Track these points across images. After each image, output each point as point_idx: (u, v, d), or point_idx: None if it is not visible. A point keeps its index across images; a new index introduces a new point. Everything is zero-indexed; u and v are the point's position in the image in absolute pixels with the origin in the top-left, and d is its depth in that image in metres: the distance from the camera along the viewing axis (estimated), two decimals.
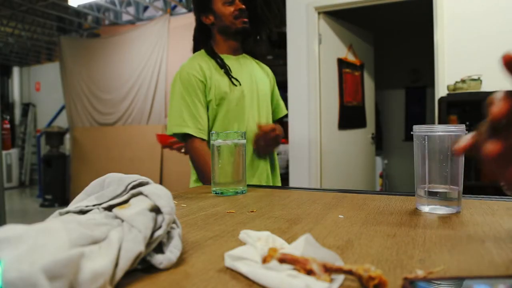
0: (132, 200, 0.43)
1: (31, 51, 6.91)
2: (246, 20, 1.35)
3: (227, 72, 1.35)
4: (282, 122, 1.62)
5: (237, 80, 1.36)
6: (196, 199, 0.83)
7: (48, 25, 5.61)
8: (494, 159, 0.32)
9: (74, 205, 0.45)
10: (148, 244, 0.38)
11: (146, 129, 4.40)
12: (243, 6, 1.34)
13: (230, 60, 1.40)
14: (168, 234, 0.42)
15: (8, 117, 7.79)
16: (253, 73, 1.44)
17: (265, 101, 1.46)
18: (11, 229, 0.31)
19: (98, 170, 3.22)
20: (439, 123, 2.67)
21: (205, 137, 1.29)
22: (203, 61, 1.35)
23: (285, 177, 3.27)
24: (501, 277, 0.36)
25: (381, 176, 4.51)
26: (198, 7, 1.41)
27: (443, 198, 0.64)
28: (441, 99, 2.65)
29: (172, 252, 0.40)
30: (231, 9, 1.33)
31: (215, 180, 0.91)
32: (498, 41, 2.56)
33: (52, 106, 7.11)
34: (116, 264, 0.34)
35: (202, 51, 1.41)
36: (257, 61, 1.54)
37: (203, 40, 1.43)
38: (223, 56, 1.39)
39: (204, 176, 1.28)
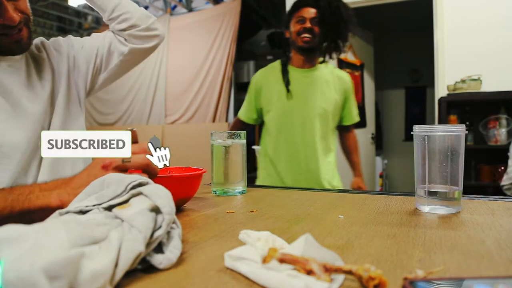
0: (132, 200, 0.43)
1: None
2: (307, 39, 1.49)
3: (287, 84, 1.53)
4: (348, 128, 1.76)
5: (290, 92, 1.53)
6: (196, 199, 0.83)
7: (48, 25, 5.61)
8: None
9: (74, 205, 0.45)
10: (148, 244, 0.38)
11: (146, 129, 4.40)
12: (308, 26, 1.49)
13: (295, 72, 1.57)
14: (168, 234, 0.42)
15: None
16: (315, 89, 1.56)
17: (318, 117, 1.53)
18: (11, 229, 0.31)
19: None
20: (439, 123, 2.67)
21: (243, 119, 1.66)
22: (273, 71, 1.60)
23: None
24: (501, 277, 0.36)
25: (381, 176, 4.51)
26: (285, 22, 1.61)
27: (443, 198, 0.64)
28: (441, 99, 2.65)
29: (172, 252, 0.40)
30: (298, 27, 1.50)
31: (215, 180, 0.91)
32: (498, 41, 2.56)
33: None
34: (116, 264, 0.34)
35: (279, 60, 1.63)
36: (337, 72, 1.63)
37: (282, 51, 1.64)
38: (292, 68, 1.58)
39: None
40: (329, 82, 1.59)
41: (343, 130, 1.72)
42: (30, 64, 0.88)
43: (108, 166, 0.55)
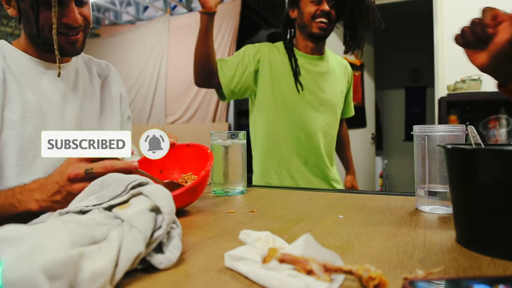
0: (132, 200, 0.43)
1: None
2: (324, 25, 1.29)
3: (295, 75, 1.33)
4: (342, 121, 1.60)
5: (301, 85, 1.33)
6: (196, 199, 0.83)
7: None
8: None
9: (74, 205, 0.45)
10: (148, 244, 0.38)
11: (146, 129, 4.39)
12: (327, 9, 1.27)
13: (302, 59, 1.36)
14: (168, 234, 0.42)
15: None
16: (325, 80, 1.39)
17: (327, 108, 1.39)
18: (11, 229, 0.31)
19: None
20: (439, 123, 2.67)
21: (219, 74, 1.30)
22: (277, 52, 1.35)
23: None
24: (501, 277, 0.36)
25: (381, 176, 4.51)
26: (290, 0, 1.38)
27: (443, 198, 0.64)
28: (441, 99, 2.65)
29: (172, 252, 0.40)
30: (314, 8, 1.28)
31: (215, 180, 0.91)
32: None
33: None
34: (116, 264, 0.34)
35: (281, 43, 1.39)
36: (340, 60, 1.49)
37: (284, 33, 1.40)
38: (298, 53, 1.37)
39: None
40: (336, 73, 1.43)
41: (339, 124, 1.52)
42: (80, 78, 0.93)
43: (74, 179, 0.57)
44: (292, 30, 1.40)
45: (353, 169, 1.61)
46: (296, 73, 1.33)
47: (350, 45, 1.40)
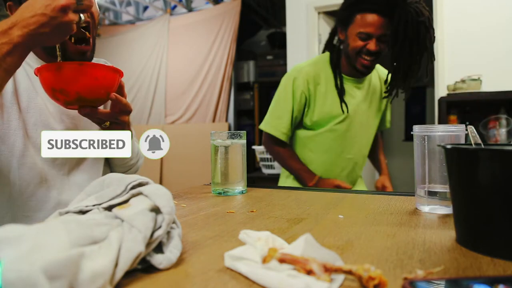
0: (132, 200, 0.43)
1: None
2: (367, 63, 1.21)
3: (340, 96, 1.29)
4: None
5: (346, 106, 1.29)
6: (196, 199, 0.83)
7: None
8: None
9: (74, 205, 0.45)
10: (148, 244, 0.38)
11: (145, 129, 4.38)
12: (373, 49, 1.18)
13: (346, 82, 1.31)
14: (168, 234, 0.42)
15: None
16: (369, 104, 1.37)
17: (370, 128, 1.40)
18: (11, 229, 0.31)
19: None
20: (439, 123, 2.67)
21: (277, 135, 1.33)
22: (323, 72, 1.29)
23: None
24: (501, 277, 0.36)
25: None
26: (339, 17, 1.28)
27: (443, 198, 0.64)
28: (441, 99, 2.65)
29: (172, 252, 0.40)
30: (359, 44, 1.19)
31: (215, 180, 0.91)
32: (498, 41, 2.55)
33: None
34: (116, 264, 0.34)
35: (328, 59, 1.33)
36: (381, 74, 1.42)
37: (330, 48, 1.35)
38: (343, 76, 1.32)
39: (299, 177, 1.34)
40: (377, 91, 1.39)
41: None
42: None
43: (66, 8, 0.57)
44: (338, 45, 1.33)
45: (386, 170, 1.57)
46: (341, 93, 1.28)
47: (395, 91, 1.28)
